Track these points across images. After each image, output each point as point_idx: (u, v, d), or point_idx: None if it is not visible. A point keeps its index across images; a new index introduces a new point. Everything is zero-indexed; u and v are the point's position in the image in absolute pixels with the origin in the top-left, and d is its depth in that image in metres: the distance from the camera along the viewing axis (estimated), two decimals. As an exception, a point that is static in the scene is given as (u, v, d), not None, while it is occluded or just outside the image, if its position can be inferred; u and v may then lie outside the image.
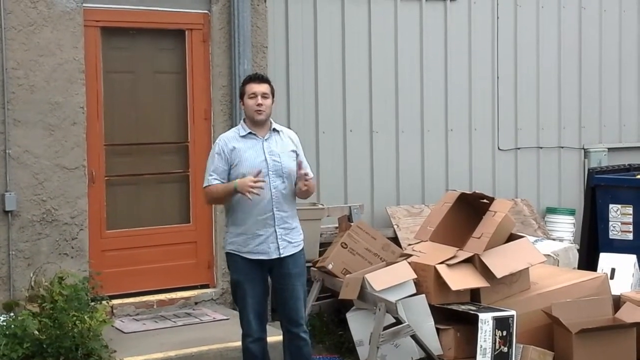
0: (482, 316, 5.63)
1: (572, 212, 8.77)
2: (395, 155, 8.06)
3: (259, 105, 5.01)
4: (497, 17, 8.63)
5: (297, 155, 5.13)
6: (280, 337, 5.32)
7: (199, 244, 6.94)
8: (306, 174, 4.98)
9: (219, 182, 5.00)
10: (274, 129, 5.12)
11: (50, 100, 6.18)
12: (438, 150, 8.31)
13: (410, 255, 6.21)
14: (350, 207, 7.34)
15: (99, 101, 6.55)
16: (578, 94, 9.21)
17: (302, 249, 5.14)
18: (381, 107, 7.97)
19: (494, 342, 5.66)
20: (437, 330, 5.85)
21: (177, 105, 6.92)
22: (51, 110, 6.18)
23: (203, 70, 6.91)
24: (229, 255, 5.11)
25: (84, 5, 6.33)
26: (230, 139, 5.07)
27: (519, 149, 8.82)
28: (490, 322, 5.64)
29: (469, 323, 5.77)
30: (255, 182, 4.82)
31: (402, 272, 5.90)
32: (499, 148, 8.69)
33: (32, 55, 6.12)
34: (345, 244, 6.65)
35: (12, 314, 5.60)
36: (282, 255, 4.99)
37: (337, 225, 7.17)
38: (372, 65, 7.92)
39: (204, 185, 5.08)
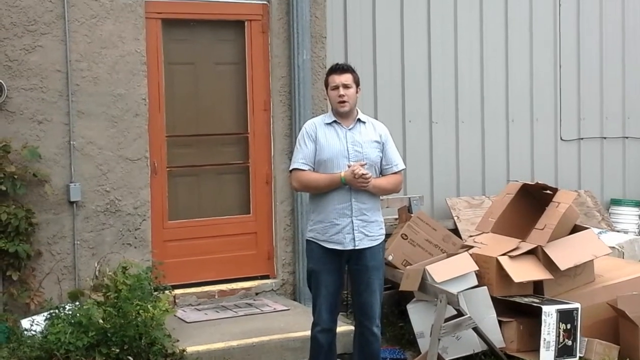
0: (546, 309, 5.55)
1: (637, 204, 8.57)
2: (455, 145, 7.96)
3: (341, 96, 5.00)
4: (560, 4, 8.46)
5: (383, 146, 5.08)
6: (347, 328, 5.30)
7: (259, 235, 6.97)
8: (353, 171, 4.84)
9: (309, 167, 4.99)
10: (359, 119, 5.09)
11: (113, 92, 6.26)
12: (499, 141, 8.18)
13: (472, 247, 6.15)
14: (409, 198, 7.28)
15: (161, 93, 6.61)
16: (643, 83, 8.99)
17: (382, 243, 5.10)
18: (440, 97, 7.88)
19: (558, 335, 5.57)
20: (500, 322, 5.78)
21: (237, 96, 6.95)
22: (114, 102, 6.27)
23: (262, 61, 6.92)
24: (307, 242, 5.12)
25: (145, -3, 6.41)
26: (317, 124, 5.08)
27: (582, 139, 8.64)
28: (554, 314, 5.56)
29: (532, 316, 5.69)
30: (358, 175, 4.81)
31: (464, 264, 5.84)
32: (561, 138, 8.53)
33: (94, 47, 6.21)
34: (406, 235, 6.61)
35: (77, 303, 5.69)
36: (357, 247, 4.96)
37: (397, 216, 7.13)
38: (431, 54, 7.83)
39: (293, 167, 5.06)
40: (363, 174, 4.85)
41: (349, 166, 4.91)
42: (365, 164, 4.92)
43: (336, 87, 5.01)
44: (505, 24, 8.19)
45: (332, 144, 4.99)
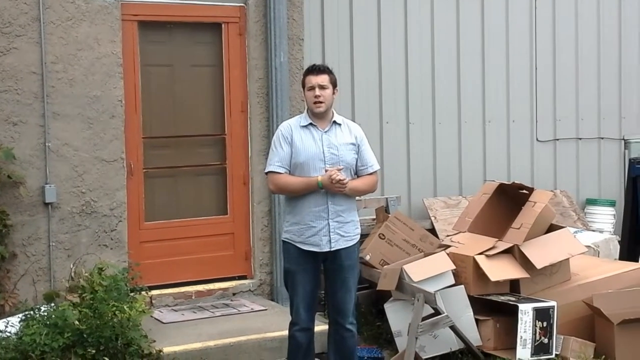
0: (522, 307, 5.58)
1: (612, 204, 8.65)
2: (432, 146, 8.00)
3: (317, 97, 4.99)
4: (535, 7, 8.53)
5: (358, 148, 5.09)
6: (325, 327, 5.31)
7: (237, 236, 6.97)
8: (331, 176, 4.84)
9: (285, 170, 4.98)
10: (335, 121, 5.09)
11: (89, 94, 6.24)
12: (475, 142, 8.24)
13: (449, 246, 6.17)
14: (387, 198, 7.30)
15: (137, 94, 6.60)
16: (618, 84, 9.08)
17: (357, 242, 5.11)
18: (418, 98, 7.92)
19: (534, 333, 5.60)
20: (476, 321, 5.81)
21: (214, 98, 6.94)
22: (90, 104, 6.25)
23: (239, 63, 6.92)
24: (284, 243, 5.12)
25: (122, -1, 6.40)
26: (292, 126, 5.07)
27: (557, 140, 8.71)
28: (531, 312, 5.58)
29: (509, 314, 5.71)
30: (335, 180, 4.82)
31: (441, 263, 5.86)
32: (537, 139, 8.59)
33: (70, 49, 6.18)
34: (383, 235, 6.63)
35: (52, 305, 5.66)
36: (332, 249, 4.97)
37: (374, 216, 7.15)
38: (409, 56, 7.87)
39: (268, 170, 5.05)
40: (340, 179, 4.86)
41: (326, 170, 4.91)
42: (342, 168, 4.93)
43: (312, 88, 5.01)
44: (481, 27, 8.26)
45: (307, 147, 4.98)
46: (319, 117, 5.04)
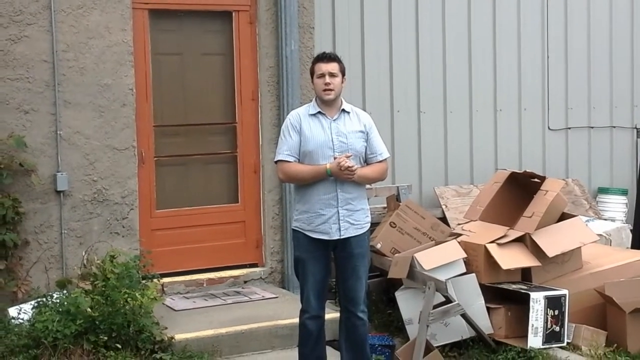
0: (534, 295, 5.57)
1: (624, 192, 8.61)
2: (443, 135, 7.98)
3: (327, 84, 4.98)
4: (547, -6, 8.49)
5: (367, 136, 5.08)
6: (336, 315, 5.31)
7: (247, 224, 6.98)
8: (339, 163, 4.84)
9: (294, 159, 4.97)
10: (344, 110, 5.08)
11: (100, 82, 6.25)
12: (487, 131, 8.20)
13: (460, 235, 6.17)
14: (398, 187, 7.30)
15: (148, 83, 6.60)
16: (630, 73, 9.00)
17: (367, 230, 5.11)
18: (429, 87, 7.89)
19: (546, 321, 5.59)
20: (488, 309, 5.80)
21: (225, 87, 6.94)
22: (101, 92, 6.25)
23: (250, 51, 6.92)
24: (294, 232, 5.11)
25: (132, -13, 6.39)
26: (301, 115, 5.06)
27: (569, 128, 8.67)
28: (542, 301, 5.58)
29: (520, 302, 5.71)
30: (344, 167, 4.81)
31: (452, 251, 5.86)
32: (549, 128, 8.55)
33: (81, 37, 6.19)
34: (394, 223, 6.63)
35: (65, 292, 5.68)
36: (342, 237, 4.97)
37: (385, 205, 7.14)
38: (420, 45, 7.84)
39: (278, 159, 5.04)
40: (349, 166, 4.85)
41: (334, 158, 4.91)
42: (351, 155, 4.91)
43: (322, 75, 5.00)
44: (493, 14, 8.21)
45: (316, 135, 4.97)
46: (327, 105, 5.03)
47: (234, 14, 6.89)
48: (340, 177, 4.89)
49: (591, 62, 8.77)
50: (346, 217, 4.97)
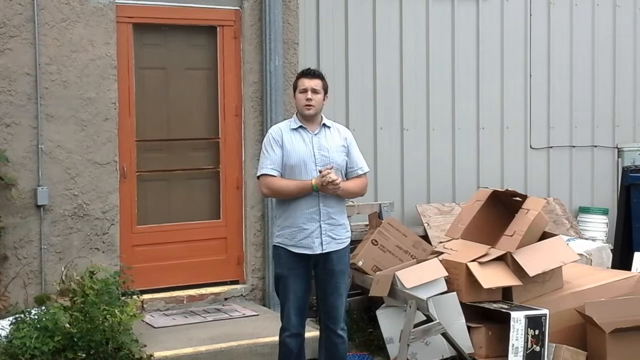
0: (515, 314, 5.58)
1: (605, 212, 8.65)
2: (426, 153, 8.01)
3: (309, 100, 5.01)
4: (530, 15, 8.54)
5: (348, 150, 5.10)
6: (315, 333, 5.30)
7: (229, 240, 6.95)
8: (323, 177, 4.85)
9: (278, 173, 4.98)
10: (324, 124, 5.11)
11: (83, 96, 6.21)
12: (469, 149, 8.24)
13: (442, 253, 6.17)
14: (380, 204, 7.30)
15: (131, 97, 6.58)
16: (612, 92, 9.09)
17: (347, 246, 5.11)
18: (412, 104, 7.92)
19: (526, 341, 5.60)
20: (469, 328, 5.80)
21: (208, 102, 6.93)
22: (83, 106, 6.22)
23: (234, 66, 6.91)
24: (275, 248, 5.11)
25: (116, 1, 6.36)
26: (282, 129, 5.08)
27: (551, 147, 8.72)
28: (523, 320, 5.58)
29: (501, 322, 5.71)
30: (329, 181, 4.82)
31: (433, 270, 5.86)
32: (531, 147, 8.60)
33: (64, 51, 6.16)
34: (376, 241, 6.62)
35: (43, 308, 5.62)
36: (324, 251, 4.97)
37: (367, 222, 7.14)
38: (403, 62, 7.87)
39: (261, 173, 5.04)
40: (333, 180, 4.87)
41: (319, 172, 4.91)
42: (332, 167, 4.93)
43: (304, 91, 5.04)
44: (476, 33, 8.26)
45: (298, 150, 4.99)
46: (308, 120, 5.07)
47: (218, 28, 6.89)
48: (324, 191, 4.90)
49: (573, 81, 8.84)
50: (328, 232, 4.98)
